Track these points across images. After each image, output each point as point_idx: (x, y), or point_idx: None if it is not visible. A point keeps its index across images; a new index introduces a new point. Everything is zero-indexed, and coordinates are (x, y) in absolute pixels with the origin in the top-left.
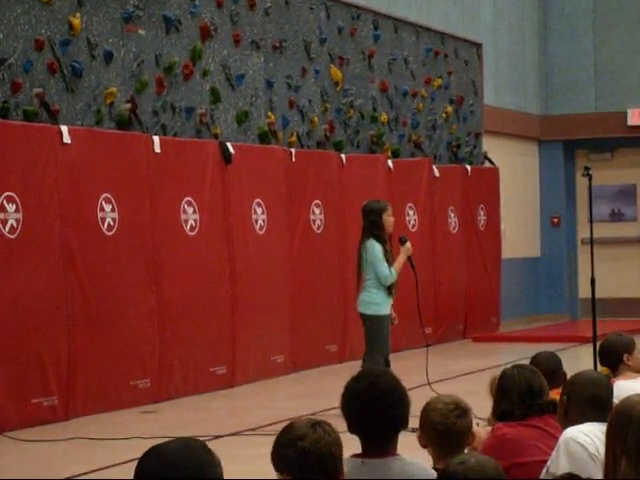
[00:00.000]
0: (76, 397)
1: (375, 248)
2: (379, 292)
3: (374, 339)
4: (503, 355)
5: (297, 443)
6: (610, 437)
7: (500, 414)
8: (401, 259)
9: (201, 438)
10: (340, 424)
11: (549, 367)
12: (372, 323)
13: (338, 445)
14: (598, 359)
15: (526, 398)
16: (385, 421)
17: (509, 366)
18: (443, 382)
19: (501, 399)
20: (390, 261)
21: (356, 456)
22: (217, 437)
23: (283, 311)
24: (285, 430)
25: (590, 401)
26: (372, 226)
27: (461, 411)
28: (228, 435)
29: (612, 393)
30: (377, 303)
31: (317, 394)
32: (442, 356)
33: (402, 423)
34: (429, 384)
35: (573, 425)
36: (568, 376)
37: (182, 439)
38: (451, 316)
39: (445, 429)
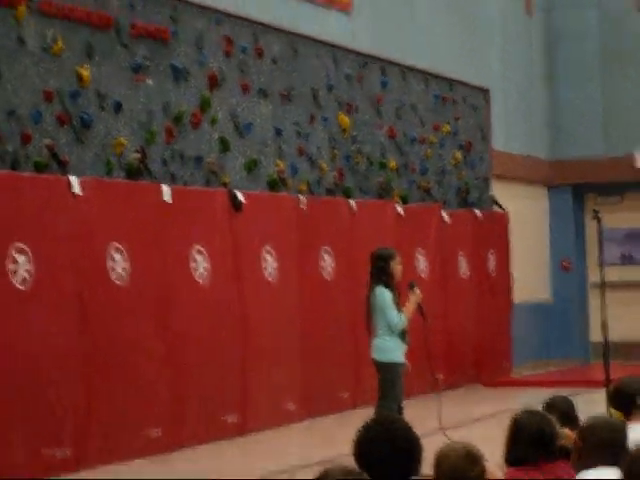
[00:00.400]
0: (88, 448)
1: (385, 295)
2: (392, 339)
3: (388, 386)
4: (516, 400)
5: None
6: None
7: (512, 459)
8: (410, 305)
9: None
10: None
11: (562, 409)
12: (386, 370)
13: None
14: (611, 403)
15: (537, 443)
16: (398, 468)
17: (520, 411)
18: (457, 429)
19: (512, 444)
20: (399, 308)
21: None
22: None
23: (294, 358)
24: (318, 479)
25: (605, 445)
26: (380, 272)
27: (473, 458)
28: None
29: (627, 438)
30: (391, 350)
31: (330, 441)
32: (455, 402)
33: (414, 470)
34: (441, 429)
35: (586, 469)
36: (581, 420)
37: None
38: (463, 361)
39: (456, 477)
